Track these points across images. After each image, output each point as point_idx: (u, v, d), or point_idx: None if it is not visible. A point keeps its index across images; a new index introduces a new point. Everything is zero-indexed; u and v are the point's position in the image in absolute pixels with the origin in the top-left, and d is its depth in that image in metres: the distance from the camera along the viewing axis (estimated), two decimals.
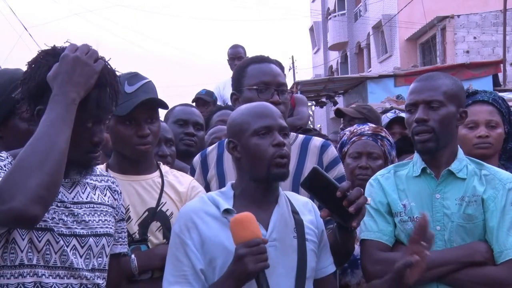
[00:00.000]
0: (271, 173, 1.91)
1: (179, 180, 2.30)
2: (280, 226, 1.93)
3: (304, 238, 1.96)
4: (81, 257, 1.75)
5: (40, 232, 1.67)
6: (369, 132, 2.92)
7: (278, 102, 2.31)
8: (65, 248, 1.71)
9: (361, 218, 1.88)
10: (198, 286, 1.87)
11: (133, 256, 2.11)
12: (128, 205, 2.17)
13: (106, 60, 1.78)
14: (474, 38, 20.15)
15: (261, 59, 2.44)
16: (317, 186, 1.88)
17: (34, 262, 1.67)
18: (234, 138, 1.98)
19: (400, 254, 2.12)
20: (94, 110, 1.74)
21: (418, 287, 2.07)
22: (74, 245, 1.73)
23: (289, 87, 2.63)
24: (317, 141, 2.43)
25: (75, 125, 1.66)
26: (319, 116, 25.48)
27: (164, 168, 2.35)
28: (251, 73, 2.39)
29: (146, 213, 2.20)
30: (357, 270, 2.50)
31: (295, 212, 2.00)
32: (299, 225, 1.96)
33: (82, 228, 1.76)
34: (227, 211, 1.91)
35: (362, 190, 1.89)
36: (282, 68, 5.49)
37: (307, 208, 2.07)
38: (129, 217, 2.16)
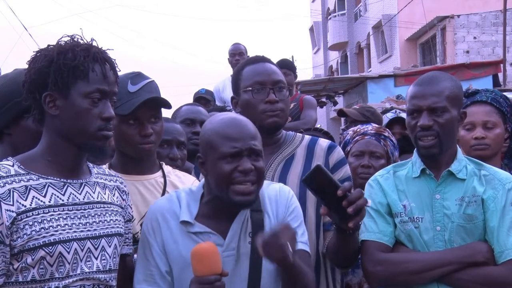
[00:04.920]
0: (232, 200, 1.82)
1: (182, 180, 2.31)
2: (240, 234, 1.88)
3: None
4: (96, 258, 1.74)
5: (51, 247, 1.64)
6: (372, 131, 2.94)
7: (274, 100, 2.27)
8: (77, 256, 1.69)
9: (359, 219, 1.85)
10: (165, 287, 1.87)
11: (135, 256, 2.11)
12: (131, 204, 2.17)
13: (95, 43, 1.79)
14: (474, 38, 20.15)
15: (255, 60, 2.40)
16: (318, 184, 1.85)
17: (47, 277, 1.65)
18: (203, 154, 1.90)
19: (400, 255, 2.13)
20: (99, 82, 1.73)
21: (418, 287, 2.09)
22: (88, 247, 1.72)
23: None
24: (323, 142, 2.39)
25: (83, 103, 1.70)
26: (319, 116, 25.32)
27: (167, 168, 2.35)
28: (246, 75, 2.34)
29: None
30: (358, 269, 2.51)
31: (257, 211, 1.92)
32: (256, 227, 1.88)
33: (94, 230, 1.75)
34: (186, 222, 1.88)
35: (362, 191, 1.86)
36: (291, 67, 5.47)
37: (277, 199, 1.98)
38: (132, 217, 2.16)
